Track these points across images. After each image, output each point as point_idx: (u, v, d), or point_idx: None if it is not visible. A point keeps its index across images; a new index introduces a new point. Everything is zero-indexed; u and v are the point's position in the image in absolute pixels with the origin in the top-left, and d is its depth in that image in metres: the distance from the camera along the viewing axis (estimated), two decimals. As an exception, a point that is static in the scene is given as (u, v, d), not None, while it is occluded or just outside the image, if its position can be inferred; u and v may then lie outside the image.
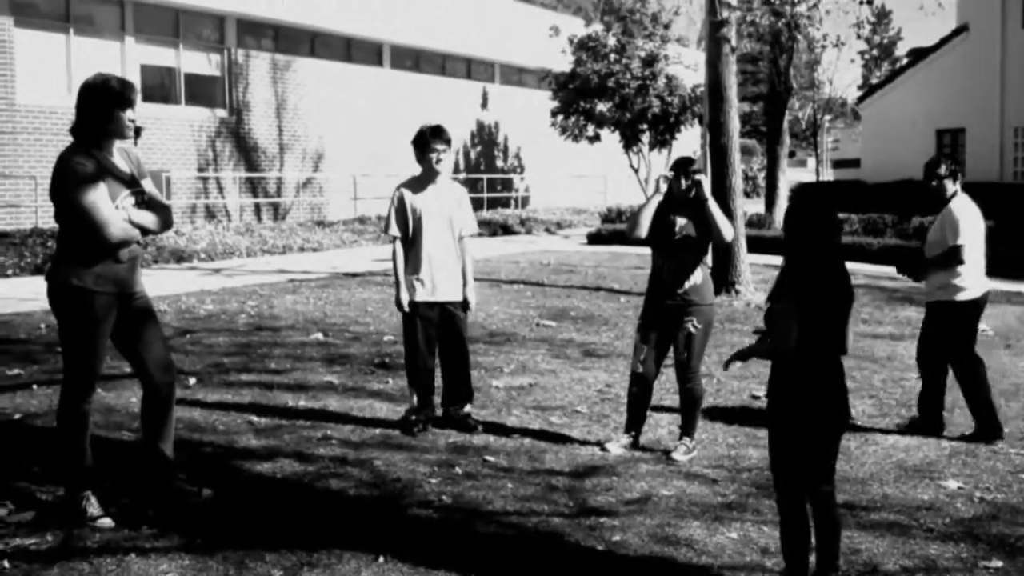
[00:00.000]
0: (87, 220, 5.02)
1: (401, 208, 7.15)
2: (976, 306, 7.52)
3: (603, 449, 6.82)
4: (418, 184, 7.22)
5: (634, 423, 6.94)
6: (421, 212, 7.11)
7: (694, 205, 6.71)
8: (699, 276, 6.74)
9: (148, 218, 5.31)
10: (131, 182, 5.27)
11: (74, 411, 5.24)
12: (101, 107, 5.11)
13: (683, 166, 6.74)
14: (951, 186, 7.53)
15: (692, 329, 6.71)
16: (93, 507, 5.22)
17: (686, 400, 6.86)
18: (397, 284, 7.16)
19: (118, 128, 5.17)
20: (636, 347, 6.87)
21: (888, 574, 4.87)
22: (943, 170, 7.52)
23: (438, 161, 7.15)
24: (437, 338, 7.23)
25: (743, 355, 4.71)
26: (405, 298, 7.12)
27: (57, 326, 5.31)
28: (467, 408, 7.34)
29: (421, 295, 7.13)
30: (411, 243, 7.15)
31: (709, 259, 6.87)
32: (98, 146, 5.17)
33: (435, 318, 7.18)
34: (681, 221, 6.68)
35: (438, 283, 7.14)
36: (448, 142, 7.22)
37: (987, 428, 7.39)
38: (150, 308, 5.49)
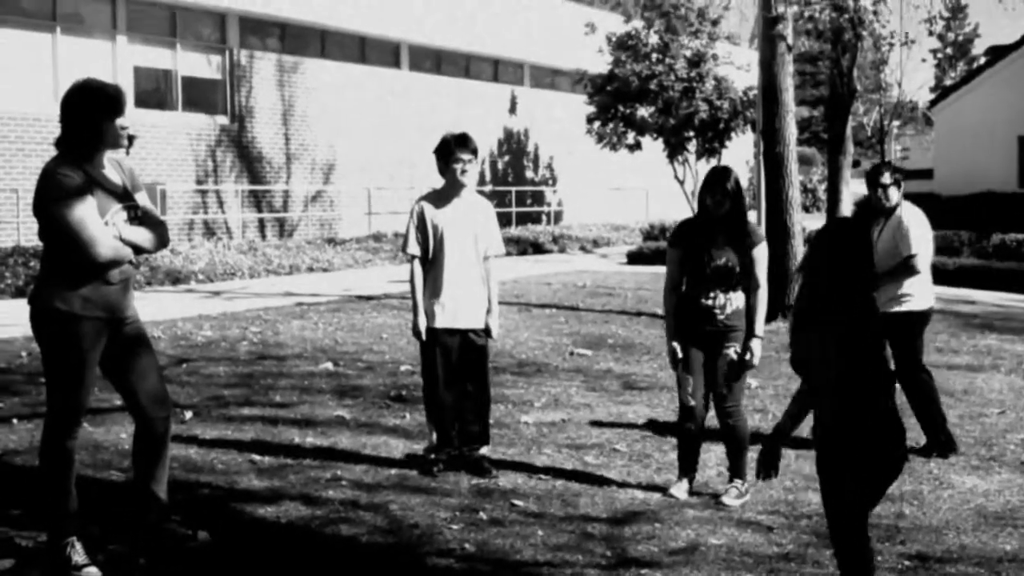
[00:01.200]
0: (74, 238, 5.03)
1: (421, 224, 7.14)
2: (924, 317, 8.20)
3: (668, 494, 6.79)
4: (440, 198, 7.22)
5: (690, 465, 6.91)
6: (443, 229, 7.09)
7: (735, 225, 6.66)
8: (740, 299, 6.73)
9: (142, 235, 5.34)
10: (123, 195, 5.29)
11: (58, 448, 5.25)
12: (89, 115, 5.13)
13: (718, 179, 6.65)
14: (895, 195, 8.08)
15: (734, 356, 6.69)
16: (78, 554, 5.22)
17: (730, 438, 6.84)
18: (415, 308, 7.14)
19: (108, 137, 5.19)
20: (680, 379, 6.85)
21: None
22: (887, 178, 8.04)
23: (463, 172, 7.14)
24: (457, 368, 7.20)
25: (774, 447, 4.81)
26: (423, 324, 7.09)
27: (40, 354, 5.34)
28: (483, 451, 7.29)
29: (441, 321, 7.09)
30: (431, 263, 7.13)
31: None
32: (87, 157, 5.18)
33: (455, 346, 7.16)
34: (719, 243, 6.65)
35: (460, 308, 7.11)
36: (474, 152, 7.21)
37: (939, 443, 7.98)
38: (143, 335, 5.52)
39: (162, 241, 5.49)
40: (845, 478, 4.50)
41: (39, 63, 21.72)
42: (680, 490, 6.83)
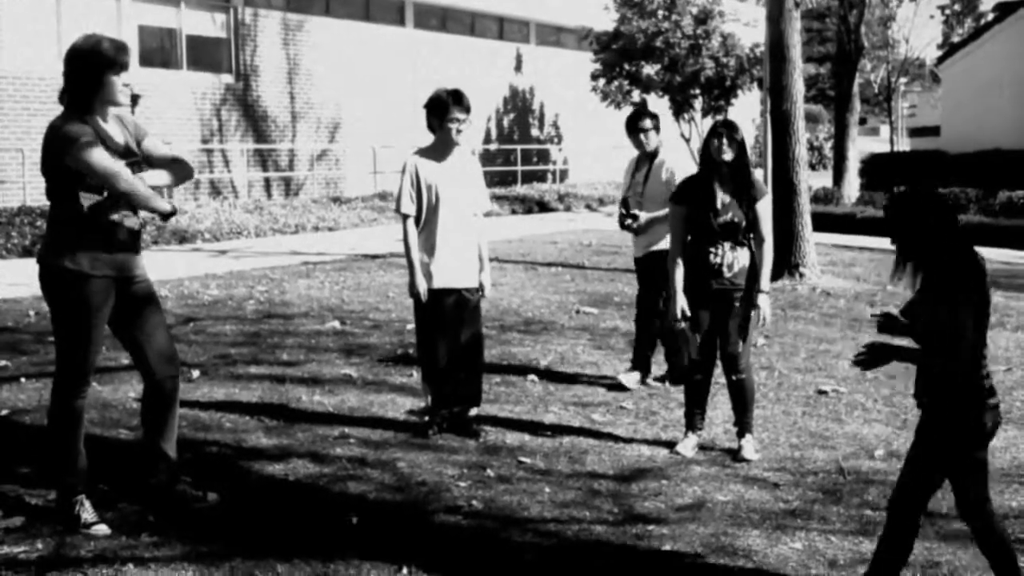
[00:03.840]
0: (95, 178, 5.03)
1: (415, 182, 7.01)
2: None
3: (675, 452, 6.81)
4: (434, 155, 7.09)
5: (697, 416, 6.94)
6: (437, 187, 6.98)
7: (739, 179, 6.64)
8: (746, 257, 6.71)
9: (160, 176, 5.35)
10: (125, 153, 5.28)
11: (67, 407, 5.27)
12: (92, 72, 5.12)
13: (725, 129, 6.63)
14: (655, 139, 8.64)
15: (745, 310, 6.69)
16: (87, 512, 5.26)
17: (738, 395, 6.85)
18: (411, 268, 7.02)
19: (111, 94, 5.18)
20: (686, 336, 6.83)
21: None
22: (647, 123, 8.62)
23: (457, 132, 7.00)
24: (451, 328, 7.12)
25: (885, 353, 4.46)
26: (422, 284, 6.97)
27: (49, 313, 5.35)
28: (473, 411, 7.26)
29: (437, 281, 7.00)
30: (425, 222, 7.02)
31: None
32: (88, 111, 5.17)
33: (450, 306, 7.07)
34: (724, 199, 6.63)
35: (455, 267, 7.02)
36: (468, 110, 7.03)
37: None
38: (152, 293, 5.52)
39: (185, 175, 5.52)
40: (951, 448, 4.38)
41: (44, 23, 21.60)
42: (687, 447, 6.84)
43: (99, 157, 5.02)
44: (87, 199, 5.11)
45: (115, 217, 5.20)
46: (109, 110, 5.29)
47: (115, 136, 5.28)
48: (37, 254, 5.29)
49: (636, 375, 8.62)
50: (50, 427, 5.34)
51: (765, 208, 6.71)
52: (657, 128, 8.63)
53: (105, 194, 5.13)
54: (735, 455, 6.76)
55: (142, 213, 5.33)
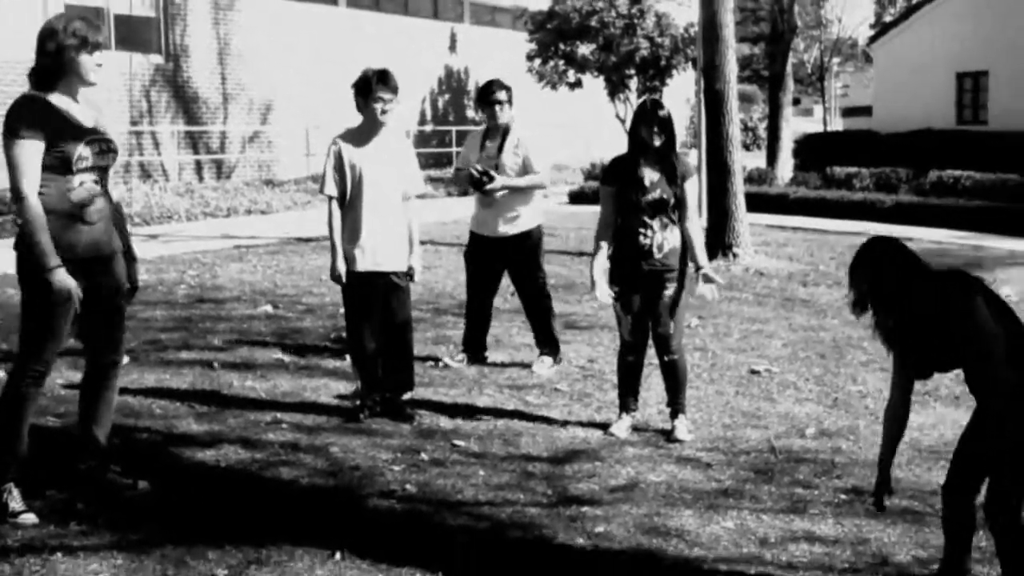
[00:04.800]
0: (9, 169, 5.00)
1: (339, 164, 6.96)
2: (540, 235, 8.72)
3: (609, 433, 6.86)
4: (359, 136, 7.05)
5: (631, 397, 6.99)
6: (361, 169, 6.93)
7: (666, 158, 6.69)
8: (676, 238, 6.75)
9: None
10: (92, 131, 5.25)
11: (20, 394, 5.21)
12: (64, 50, 5.10)
13: (651, 108, 6.70)
14: (508, 112, 8.50)
15: (676, 294, 6.75)
16: (15, 501, 5.21)
17: (671, 376, 6.91)
18: (333, 251, 6.98)
19: (83, 73, 5.18)
20: (619, 317, 6.90)
21: (899, 566, 4.92)
22: (502, 95, 8.48)
23: (383, 112, 6.96)
24: (380, 313, 7.11)
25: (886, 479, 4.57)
26: (342, 267, 6.94)
27: (21, 300, 5.28)
28: (406, 395, 7.25)
29: (362, 264, 6.96)
30: (349, 204, 6.97)
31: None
32: (53, 88, 5.17)
33: (378, 290, 7.03)
34: (652, 177, 6.68)
35: (381, 250, 6.97)
36: (395, 90, 6.98)
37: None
38: (120, 277, 5.52)
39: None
40: (1001, 442, 4.26)
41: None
42: (621, 428, 6.89)
43: (22, 151, 4.99)
44: (49, 181, 5.08)
45: (80, 198, 5.16)
46: (78, 89, 5.26)
47: (83, 115, 5.25)
48: (14, 242, 5.22)
49: (548, 359, 8.66)
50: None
51: (692, 186, 6.76)
52: (511, 101, 8.54)
53: (69, 176, 5.11)
54: (668, 436, 6.83)
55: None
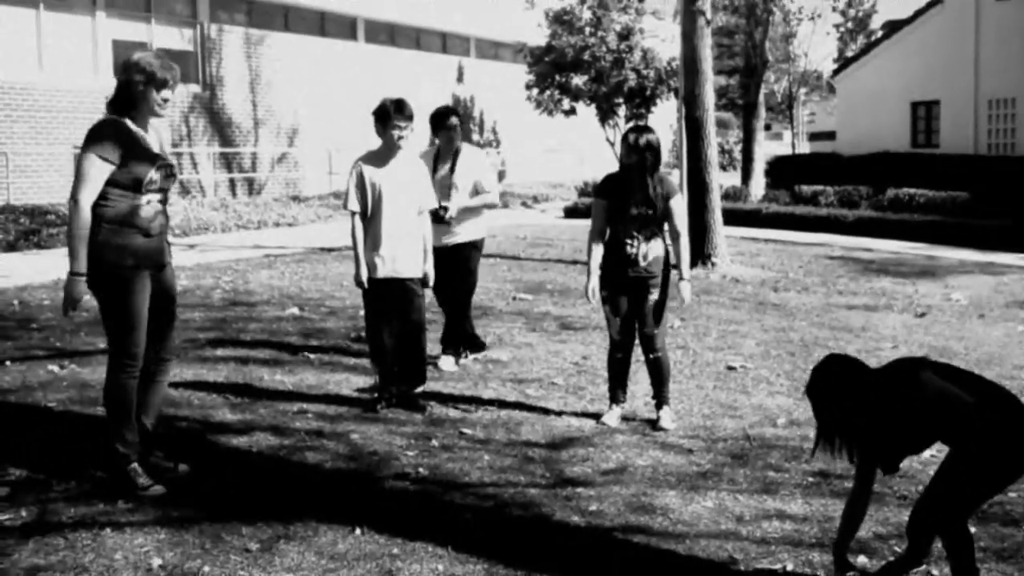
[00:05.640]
0: (76, 176, 5.07)
1: (360, 183, 7.00)
2: (481, 246, 8.59)
3: (601, 422, 6.84)
4: (378, 158, 7.08)
5: (620, 390, 6.98)
6: (381, 187, 6.97)
7: (650, 179, 6.68)
8: (660, 248, 6.75)
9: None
10: (157, 156, 5.29)
11: (119, 386, 5.27)
12: (140, 83, 5.14)
13: (636, 134, 6.67)
14: (459, 136, 8.35)
15: (660, 297, 6.74)
16: (142, 477, 5.28)
17: (656, 372, 6.90)
18: (356, 260, 7.01)
19: (153, 105, 5.21)
20: (608, 319, 6.90)
21: (861, 541, 4.90)
22: (454, 120, 8.32)
23: (400, 138, 7.00)
24: (396, 314, 7.11)
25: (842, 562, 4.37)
26: (364, 275, 6.98)
27: (98, 304, 5.29)
28: (419, 389, 7.25)
29: (381, 271, 6.99)
30: (371, 218, 7.01)
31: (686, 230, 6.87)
32: (134, 120, 5.22)
33: (395, 295, 7.05)
34: (638, 194, 6.68)
35: (398, 259, 7.00)
36: (410, 118, 7.03)
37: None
38: (174, 283, 5.59)
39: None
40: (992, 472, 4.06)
41: (25, 37, 21.22)
42: (611, 418, 6.88)
43: (91, 166, 5.03)
44: (120, 198, 5.12)
45: (147, 215, 5.21)
46: (150, 120, 5.31)
47: (152, 141, 5.30)
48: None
49: (451, 358, 8.48)
50: (106, 404, 5.34)
51: (679, 205, 6.75)
52: (461, 125, 8.43)
53: (138, 195, 5.15)
54: (654, 425, 6.81)
55: (170, 208, 5.41)
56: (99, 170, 5.04)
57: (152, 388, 5.51)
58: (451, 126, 8.33)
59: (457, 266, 8.35)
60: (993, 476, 4.06)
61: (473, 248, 8.47)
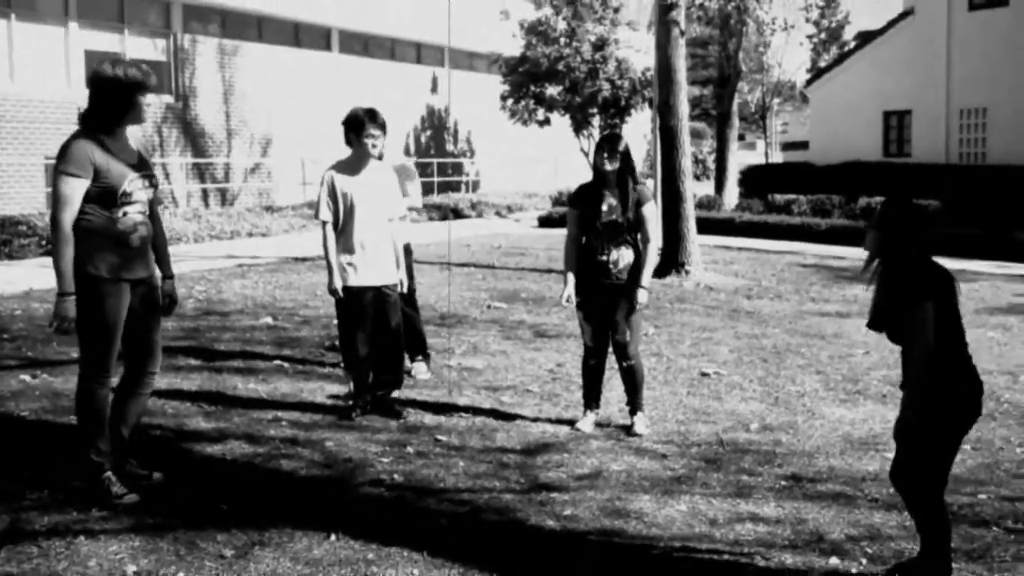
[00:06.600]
0: (54, 198, 5.06)
1: (331, 192, 7.01)
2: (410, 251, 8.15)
3: (575, 428, 6.87)
4: (349, 167, 7.08)
5: (594, 396, 7.01)
6: (352, 196, 6.98)
7: (622, 188, 6.74)
8: (631, 255, 6.79)
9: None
10: (139, 165, 5.29)
11: (90, 396, 5.28)
12: (123, 94, 5.13)
13: (609, 142, 6.76)
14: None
15: (634, 304, 6.77)
16: (116, 486, 5.28)
17: (630, 378, 6.93)
18: (329, 269, 7.02)
19: (138, 114, 5.22)
20: (582, 326, 6.94)
21: (833, 542, 4.96)
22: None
23: (373, 147, 7.03)
24: (371, 322, 7.13)
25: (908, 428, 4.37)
26: (338, 283, 6.98)
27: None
28: (394, 394, 7.28)
29: (354, 280, 7.00)
30: (342, 227, 7.02)
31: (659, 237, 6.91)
32: (109, 131, 5.19)
33: (369, 302, 7.07)
34: (610, 202, 6.73)
35: (370, 267, 7.02)
36: (383, 127, 7.08)
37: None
38: (157, 296, 5.56)
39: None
40: (945, 436, 4.30)
41: (-5, 46, 21.13)
42: (586, 424, 6.92)
43: (65, 186, 5.03)
44: (97, 211, 5.12)
45: (126, 227, 5.20)
46: (127, 128, 5.29)
47: (128, 153, 5.26)
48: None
49: (423, 364, 8.47)
50: (77, 414, 5.34)
51: (651, 212, 6.78)
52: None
53: (115, 208, 5.15)
54: (628, 430, 6.86)
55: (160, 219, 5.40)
56: (73, 188, 5.04)
57: (133, 400, 5.51)
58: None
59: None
60: (938, 431, 4.27)
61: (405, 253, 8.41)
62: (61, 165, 5.06)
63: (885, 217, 4.42)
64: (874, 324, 4.47)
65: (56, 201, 5.06)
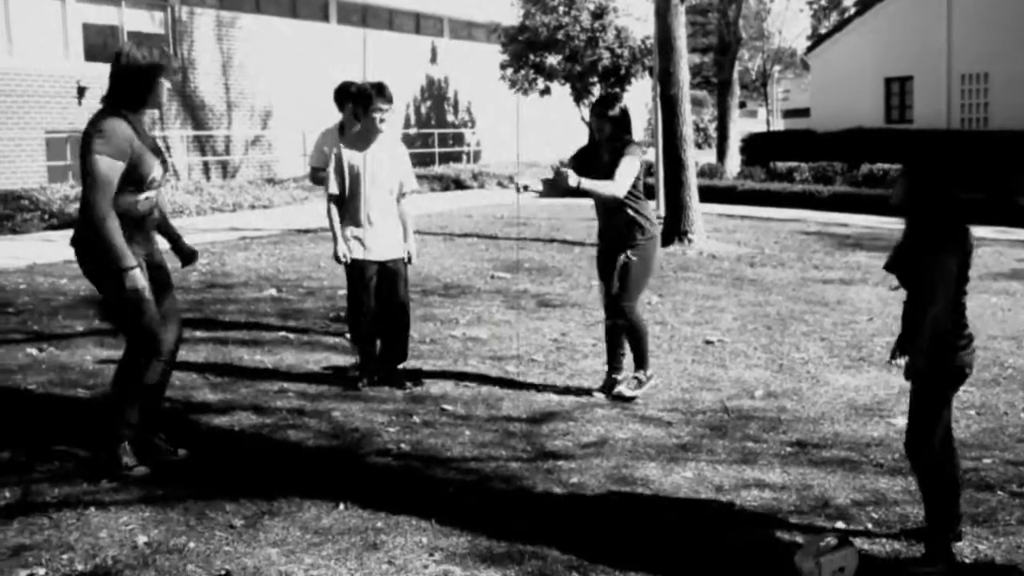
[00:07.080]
0: (89, 178, 4.98)
1: (339, 166, 7.01)
2: None
3: (618, 394, 6.90)
4: (357, 141, 7.08)
5: (612, 359, 7.04)
6: (359, 170, 6.97)
7: (616, 147, 6.73)
8: (627, 216, 6.75)
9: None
10: (156, 149, 5.28)
11: (141, 368, 5.26)
12: (147, 76, 5.10)
13: (600, 105, 6.76)
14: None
15: (624, 259, 6.75)
16: (128, 457, 5.29)
17: (628, 335, 6.94)
18: (335, 237, 7.01)
19: (159, 96, 5.20)
20: (601, 289, 7.02)
21: (839, 508, 4.99)
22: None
23: (381, 121, 7.02)
24: (378, 295, 7.14)
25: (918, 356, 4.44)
26: (343, 248, 6.97)
27: (102, 298, 5.32)
28: (400, 365, 7.29)
29: (363, 254, 7.01)
30: (349, 200, 7.02)
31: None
32: (135, 112, 5.15)
33: (377, 276, 7.07)
34: (605, 160, 6.74)
35: (379, 241, 7.02)
36: (390, 100, 7.06)
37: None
38: (170, 274, 5.60)
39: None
40: (947, 389, 4.44)
41: (-8, 20, 21.05)
42: (624, 388, 6.91)
43: (103, 167, 4.96)
44: (123, 195, 5.09)
45: (144, 210, 5.23)
46: (145, 112, 5.26)
47: (148, 137, 5.24)
48: (71, 238, 5.25)
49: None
50: (119, 384, 5.28)
51: (628, 163, 6.61)
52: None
53: (139, 192, 5.15)
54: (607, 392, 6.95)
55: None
56: (113, 170, 4.97)
57: (169, 375, 5.58)
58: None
59: None
60: (935, 387, 4.41)
61: None
62: (99, 144, 4.95)
63: (916, 168, 4.46)
64: (890, 265, 4.51)
65: (94, 182, 4.96)
